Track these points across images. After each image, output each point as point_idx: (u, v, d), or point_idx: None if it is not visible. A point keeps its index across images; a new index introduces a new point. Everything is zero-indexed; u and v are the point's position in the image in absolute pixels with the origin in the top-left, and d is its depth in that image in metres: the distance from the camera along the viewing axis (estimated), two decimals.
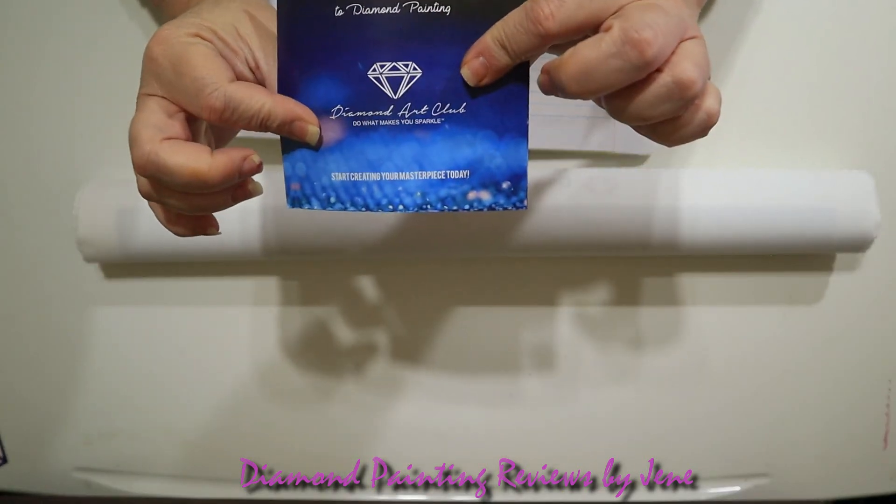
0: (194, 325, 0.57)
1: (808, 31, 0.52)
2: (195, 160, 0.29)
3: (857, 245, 0.50)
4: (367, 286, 0.56)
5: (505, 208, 0.32)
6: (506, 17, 0.30)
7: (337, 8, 0.31)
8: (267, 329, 0.57)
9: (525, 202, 0.32)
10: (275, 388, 0.58)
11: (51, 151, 0.55)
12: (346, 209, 0.33)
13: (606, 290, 0.56)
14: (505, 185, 0.32)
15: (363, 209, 0.33)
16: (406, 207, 0.32)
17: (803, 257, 0.55)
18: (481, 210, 0.32)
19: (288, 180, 0.33)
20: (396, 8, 0.31)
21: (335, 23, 0.31)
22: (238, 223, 0.50)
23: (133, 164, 0.30)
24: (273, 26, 0.32)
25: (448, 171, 0.32)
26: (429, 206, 0.32)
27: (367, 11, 0.31)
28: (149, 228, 0.51)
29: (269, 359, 0.57)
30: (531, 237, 0.50)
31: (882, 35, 0.52)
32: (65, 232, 0.54)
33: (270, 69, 0.32)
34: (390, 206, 0.32)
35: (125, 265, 0.56)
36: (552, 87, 0.30)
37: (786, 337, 0.56)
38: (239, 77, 0.32)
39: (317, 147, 0.33)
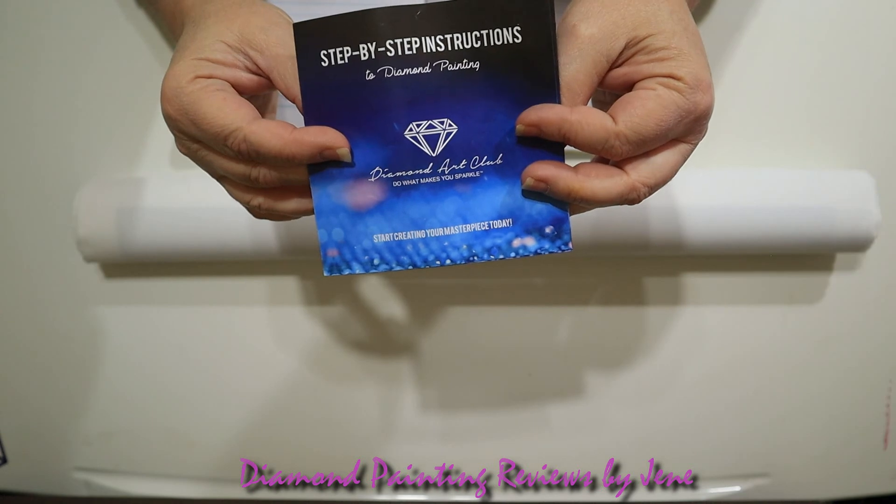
0: (194, 325, 0.57)
1: (807, 31, 0.52)
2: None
3: (857, 245, 0.50)
4: (366, 286, 0.56)
5: (551, 252, 0.32)
6: (588, 124, 0.30)
7: (368, 72, 0.31)
8: (266, 329, 0.57)
9: (570, 244, 0.32)
10: (275, 388, 0.58)
11: (51, 151, 0.55)
12: (391, 269, 0.32)
13: (607, 290, 0.56)
14: (548, 230, 0.32)
15: (410, 267, 0.32)
16: (453, 261, 0.32)
17: (803, 257, 0.55)
18: (527, 256, 0.32)
19: (324, 247, 0.32)
20: (427, 68, 0.31)
21: (366, 86, 0.31)
22: (246, 223, 0.50)
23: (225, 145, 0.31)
24: (257, 10, 0.32)
25: (491, 222, 0.32)
26: (475, 258, 0.32)
27: (399, 73, 0.31)
28: (148, 228, 0.51)
29: (269, 358, 0.57)
30: None
31: (882, 35, 0.52)
32: (64, 232, 0.54)
33: (269, 64, 0.32)
34: (437, 262, 0.32)
35: (124, 265, 0.56)
36: (548, 187, 0.31)
37: (786, 337, 0.56)
38: (243, 87, 0.32)
39: (357, 210, 0.32)
